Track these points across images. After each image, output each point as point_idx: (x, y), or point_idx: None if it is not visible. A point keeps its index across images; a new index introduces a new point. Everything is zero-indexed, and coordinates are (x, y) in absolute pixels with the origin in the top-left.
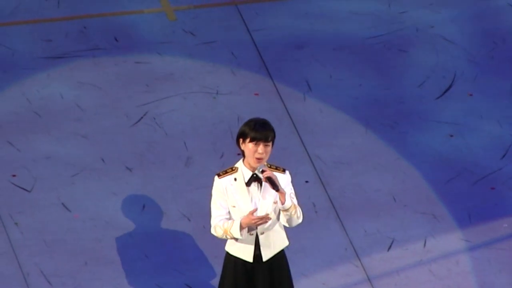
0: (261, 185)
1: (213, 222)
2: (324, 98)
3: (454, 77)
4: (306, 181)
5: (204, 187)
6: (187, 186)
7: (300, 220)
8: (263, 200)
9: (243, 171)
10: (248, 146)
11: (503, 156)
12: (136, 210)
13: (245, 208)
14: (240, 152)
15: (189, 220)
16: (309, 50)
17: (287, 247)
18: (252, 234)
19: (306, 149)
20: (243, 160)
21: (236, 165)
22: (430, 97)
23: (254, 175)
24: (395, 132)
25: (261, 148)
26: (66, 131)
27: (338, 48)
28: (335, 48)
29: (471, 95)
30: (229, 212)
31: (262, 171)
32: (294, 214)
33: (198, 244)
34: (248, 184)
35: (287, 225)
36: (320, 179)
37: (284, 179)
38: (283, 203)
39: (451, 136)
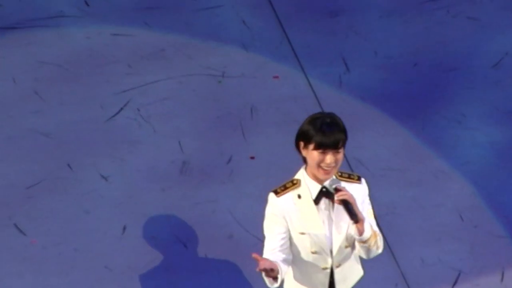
0: (332, 201)
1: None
2: (367, 82)
3: None
4: None
5: (206, 201)
6: (183, 201)
7: (380, 251)
8: (339, 222)
9: (308, 184)
10: (312, 154)
11: None
12: (115, 233)
13: (318, 235)
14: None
15: (185, 246)
16: (347, 17)
17: (362, 277)
18: (326, 269)
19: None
20: (305, 169)
21: (296, 177)
22: (508, 81)
23: (324, 189)
24: (462, 128)
25: (329, 157)
26: (21, 128)
27: (386, 15)
28: (381, 15)
29: None
30: (286, 242)
31: (336, 190)
32: (374, 245)
33: (198, 279)
34: (316, 201)
35: (364, 256)
36: None
37: (359, 192)
38: (361, 234)
39: None
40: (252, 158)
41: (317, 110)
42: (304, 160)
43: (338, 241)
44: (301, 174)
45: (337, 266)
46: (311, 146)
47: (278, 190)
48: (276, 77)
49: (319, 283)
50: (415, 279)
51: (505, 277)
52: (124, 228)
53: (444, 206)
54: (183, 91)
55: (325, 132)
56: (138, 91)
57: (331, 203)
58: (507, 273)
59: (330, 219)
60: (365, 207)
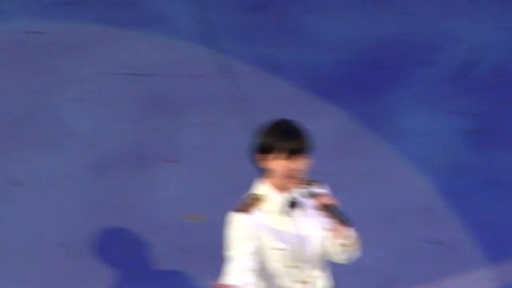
0: (295, 209)
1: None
2: (300, 79)
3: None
4: None
5: (123, 209)
6: (100, 206)
7: (358, 253)
8: (310, 231)
9: (271, 197)
10: (278, 164)
11: None
12: (27, 241)
13: (294, 247)
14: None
15: (107, 253)
16: (276, 8)
17: None
18: (305, 283)
19: None
20: (264, 181)
21: (256, 191)
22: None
23: (291, 199)
24: (390, 128)
25: (300, 163)
26: None
27: (315, 9)
28: (310, 10)
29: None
30: (256, 263)
31: (314, 195)
32: (355, 247)
33: None
34: (284, 213)
35: (344, 261)
36: None
37: None
38: (346, 237)
39: (472, 132)
40: (170, 161)
41: (246, 111)
42: (263, 173)
43: (312, 251)
44: (258, 186)
45: (313, 277)
46: (279, 156)
47: (243, 208)
48: (200, 75)
49: None
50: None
51: (440, 285)
52: (37, 236)
53: (375, 210)
54: (97, 91)
55: (293, 138)
56: (47, 93)
57: (298, 212)
58: (442, 281)
59: (300, 229)
60: None
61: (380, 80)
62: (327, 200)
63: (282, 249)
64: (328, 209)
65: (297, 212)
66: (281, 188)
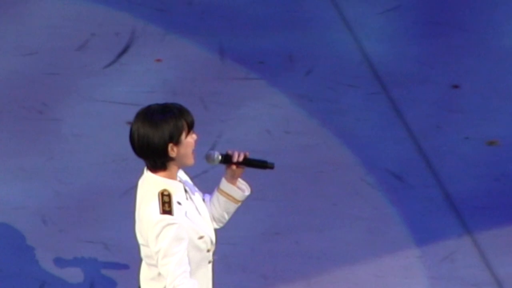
0: (186, 191)
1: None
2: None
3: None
4: None
5: None
6: None
7: None
8: (204, 208)
9: (174, 187)
10: (186, 142)
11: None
12: None
13: (208, 230)
14: None
15: None
16: None
17: None
18: (211, 262)
19: None
20: (157, 174)
21: (157, 188)
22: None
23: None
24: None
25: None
26: None
27: None
28: None
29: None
30: None
31: (228, 156)
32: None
33: None
34: (188, 199)
35: (222, 223)
36: None
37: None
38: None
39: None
40: None
41: None
42: (164, 163)
43: (212, 227)
44: (160, 182)
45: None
46: (184, 134)
47: (167, 208)
48: None
49: (208, 280)
50: None
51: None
52: None
53: (26, 208)
54: None
55: (187, 111)
56: None
57: (189, 195)
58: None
59: (201, 209)
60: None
61: (30, 67)
62: (242, 156)
63: (204, 236)
64: (247, 163)
65: (189, 196)
66: (174, 175)
